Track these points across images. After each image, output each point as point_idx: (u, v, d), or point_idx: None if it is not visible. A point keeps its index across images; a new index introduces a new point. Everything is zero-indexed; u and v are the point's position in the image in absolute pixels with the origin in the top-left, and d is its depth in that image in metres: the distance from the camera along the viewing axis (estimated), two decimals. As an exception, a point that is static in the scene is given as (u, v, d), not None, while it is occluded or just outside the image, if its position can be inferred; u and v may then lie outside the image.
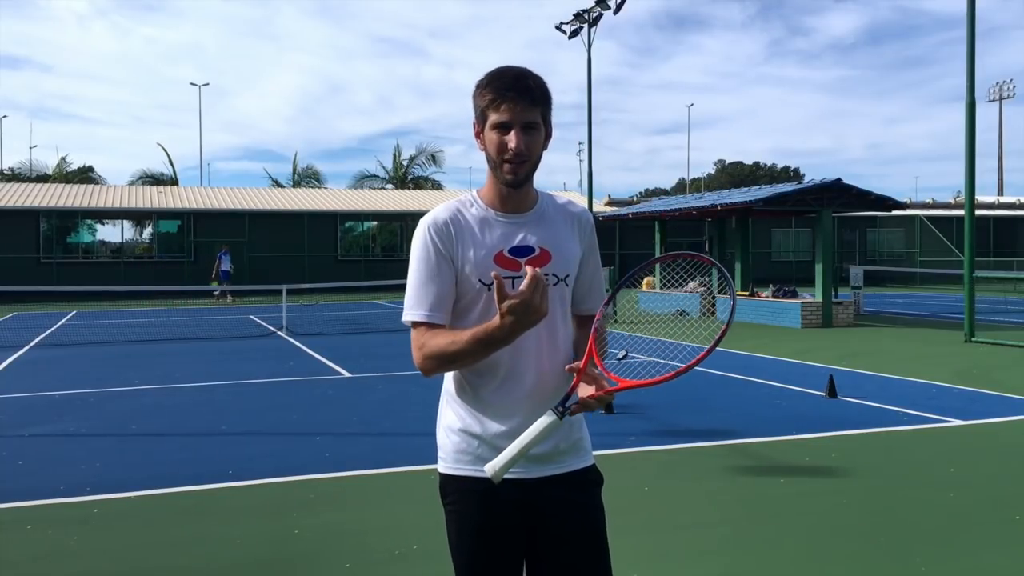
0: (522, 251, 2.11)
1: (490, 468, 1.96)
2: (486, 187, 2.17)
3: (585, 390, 1.98)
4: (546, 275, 2.09)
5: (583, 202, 27.11)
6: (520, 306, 1.86)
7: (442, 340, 2.02)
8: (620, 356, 2.07)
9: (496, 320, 1.91)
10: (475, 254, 2.09)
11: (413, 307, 2.09)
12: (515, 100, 2.03)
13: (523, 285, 1.86)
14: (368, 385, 10.20)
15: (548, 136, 2.14)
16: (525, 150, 2.05)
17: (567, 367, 2.05)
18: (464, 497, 2.15)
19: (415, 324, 2.09)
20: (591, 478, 2.20)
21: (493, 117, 2.05)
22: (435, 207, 2.18)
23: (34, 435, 7.47)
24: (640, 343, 2.07)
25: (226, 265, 27.14)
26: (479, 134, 2.12)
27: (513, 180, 2.08)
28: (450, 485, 2.19)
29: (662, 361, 2.05)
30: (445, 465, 2.20)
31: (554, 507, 2.13)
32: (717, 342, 2.02)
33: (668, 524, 4.95)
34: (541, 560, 2.16)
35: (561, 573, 2.14)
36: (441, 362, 2.04)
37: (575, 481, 2.16)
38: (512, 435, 2.01)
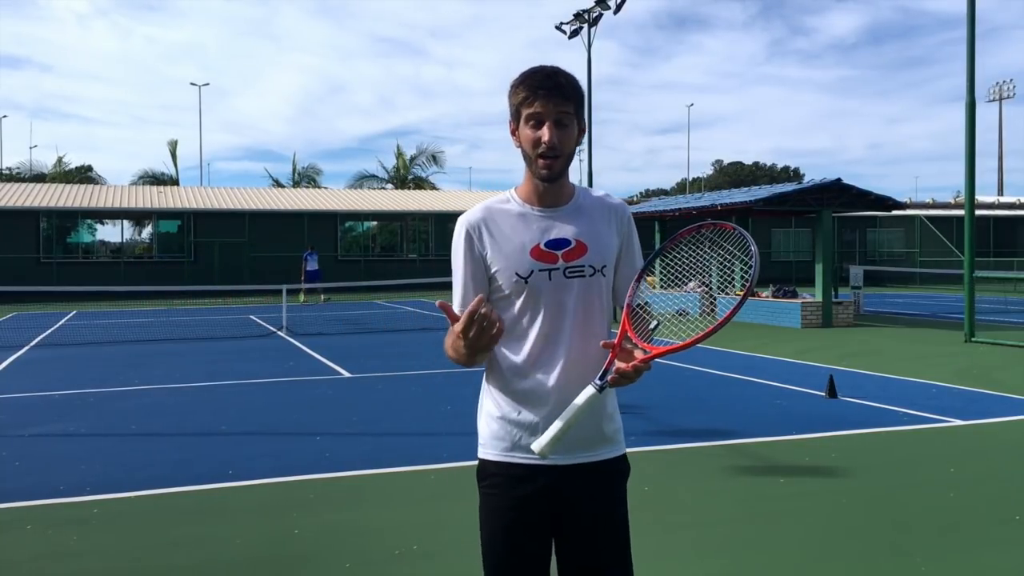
0: (559, 243, 2.19)
1: (536, 445, 2.06)
2: (523, 184, 2.26)
3: (623, 363, 2.06)
4: (581, 267, 2.19)
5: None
6: (461, 333, 1.96)
7: (448, 340, 2.13)
8: (652, 326, 2.13)
9: (457, 339, 2.02)
10: (512, 249, 2.18)
11: (453, 303, 2.20)
12: (547, 96, 2.11)
13: (459, 321, 1.96)
14: (368, 385, 10.19)
15: (581, 132, 2.22)
16: (558, 144, 2.13)
17: (601, 343, 2.14)
18: (498, 480, 2.24)
19: None
20: (619, 467, 2.30)
21: (527, 113, 2.14)
22: (473, 206, 2.27)
23: (34, 435, 7.46)
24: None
25: (313, 265, 26.31)
26: (515, 131, 2.20)
27: (548, 174, 2.16)
28: (487, 469, 2.28)
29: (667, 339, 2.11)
30: (483, 450, 2.30)
31: (581, 495, 2.21)
32: (743, 300, 2.07)
33: (668, 524, 4.94)
34: (565, 544, 2.25)
35: (583, 560, 2.23)
36: (453, 360, 2.16)
37: (604, 471, 2.25)
38: (546, 422, 2.13)
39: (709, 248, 2.29)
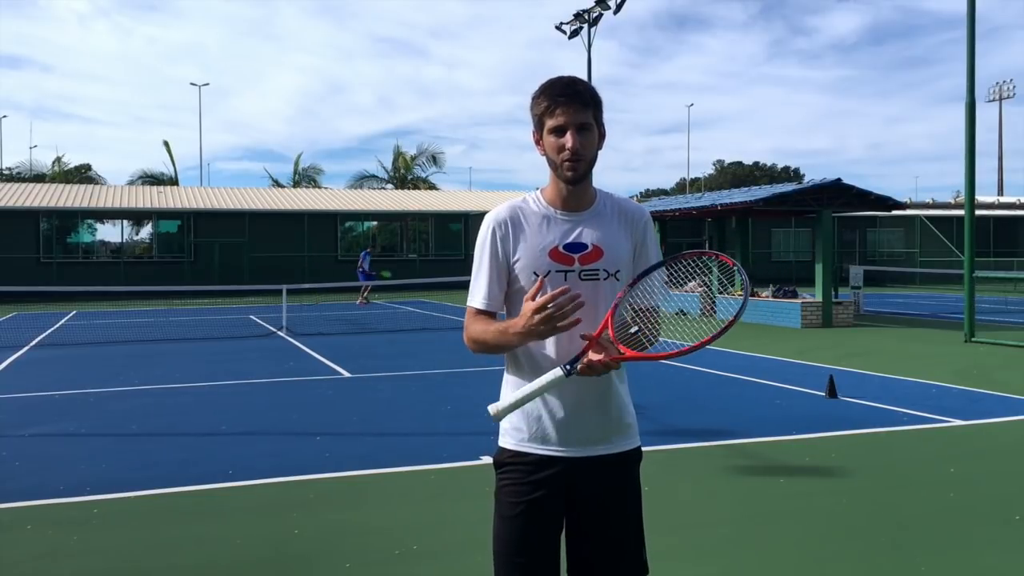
0: (576, 247, 2.31)
1: (493, 408, 2.18)
2: (548, 187, 2.37)
3: (595, 356, 2.15)
4: (596, 271, 2.30)
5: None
6: (540, 314, 2.10)
7: (479, 327, 2.29)
8: (632, 331, 2.23)
9: (517, 320, 2.16)
10: (533, 248, 2.30)
11: (472, 295, 2.35)
12: (567, 104, 2.23)
13: (538, 301, 2.09)
14: (368, 385, 10.19)
15: (602, 137, 2.34)
16: (581, 149, 2.25)
17: (580, 335, 2.20)
18: (514, 468, 2.34)
19: (470, 309, 2.35)
20: (633, 457, 2.40)
21: (550, 123, 2.26)
22: (500, 204, 2.38)
23: (34, 435, 7.46)
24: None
25: (367, 265, 26.12)
26: (538, 140, 2.32)
27: (573, 176, 2.27)
28: (504, 457, 2.38)
29: (671, 340, 2.19)
30: (502, 439, 2.40)
31: (595, 486, 2.31)
32: (724, 331, 2.17)
33: (668, 524, 4.94)
34: (579, 534, 2.34)
35: (596, 549, 2.32)
36: (478, 346, 2.31)
37: (618, 462, 2.35)
38: (559, 414, 2.27)
39: (703, 272, 2.35)
